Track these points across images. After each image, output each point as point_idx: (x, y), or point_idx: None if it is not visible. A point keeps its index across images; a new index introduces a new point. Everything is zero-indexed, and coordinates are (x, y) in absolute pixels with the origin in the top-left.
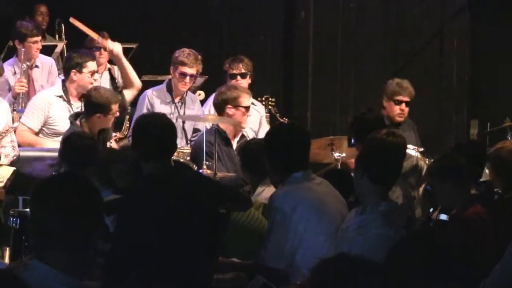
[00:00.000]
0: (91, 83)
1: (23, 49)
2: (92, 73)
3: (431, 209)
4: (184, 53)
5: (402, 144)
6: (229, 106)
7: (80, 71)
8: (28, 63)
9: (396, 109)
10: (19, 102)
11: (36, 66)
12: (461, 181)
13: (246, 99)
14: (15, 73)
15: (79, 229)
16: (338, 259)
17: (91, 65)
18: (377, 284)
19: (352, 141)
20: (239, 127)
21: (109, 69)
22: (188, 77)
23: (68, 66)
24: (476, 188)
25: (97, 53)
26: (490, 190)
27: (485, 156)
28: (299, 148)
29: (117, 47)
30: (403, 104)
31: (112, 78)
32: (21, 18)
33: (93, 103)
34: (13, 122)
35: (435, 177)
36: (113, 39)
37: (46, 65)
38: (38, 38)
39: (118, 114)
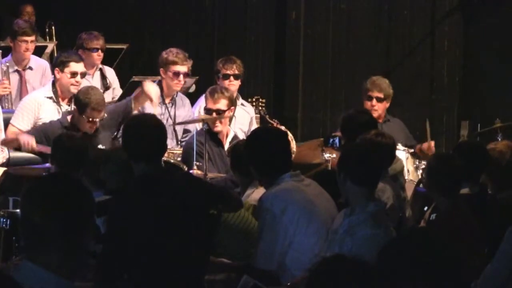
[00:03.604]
0: (72, 84)
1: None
2: (73, 74)
3: (426, 208)
4: (172, 53)
5: (390, 145)
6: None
7: (62, 70)
8: (7, 64)
9: (368, 105)
10: (4, 102)
11: (30, 68)
12: (451, 182)
13: (223, 104)
14: (2, 70)
15: (70, 230)
16: (336, 260)
17: (73, 66)
18: (373, 284)
19: (331, 141)
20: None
21: (101, 69)
22: (181, 76)
23: (53, 64)
24: (471, 189)
25: (95, 54)
26: (484, 191)
27: (486, 158)
28: (279, 149)
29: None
30: (374, 100)
31: (103, 78)
32: (7, 18)
33: (75, 97)
34: None
35: (426, 176)
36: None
37: (40, 67)
38: (28, 38)
39: (95, 122)
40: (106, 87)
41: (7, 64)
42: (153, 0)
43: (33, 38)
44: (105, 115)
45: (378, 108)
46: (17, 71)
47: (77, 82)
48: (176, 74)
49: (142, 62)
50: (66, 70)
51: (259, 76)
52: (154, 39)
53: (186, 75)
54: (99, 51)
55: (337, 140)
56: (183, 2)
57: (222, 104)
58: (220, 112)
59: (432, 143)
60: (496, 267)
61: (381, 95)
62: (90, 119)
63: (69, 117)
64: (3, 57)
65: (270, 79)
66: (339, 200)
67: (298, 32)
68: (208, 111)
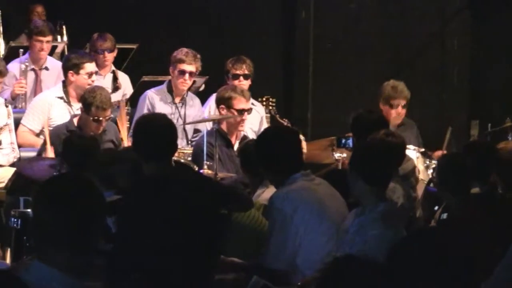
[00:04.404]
0: (89, 85)
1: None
2: (89, 74)
3: (436, 207)
4: (182, 52)
5: (401, 145)
6: (222, 106)
7: (77, 72)
8: (26, 64)
9: (393, 113)
10: (19, 102)
11: (46, 68)
12: (462, 181)
13: (242, 102)
14: (21, 69)
15: (80, 230)
16: (346, 260)
17: (88, 67)
18: (383, 285)
19: (343, 141)
20: (235, 129)
21: (113, 71)
22: (187, 75)
23: (65, 67)
24: (480, 188)
25: (101, 56)
26: (494, 190)
27: (494, 157)
28: (290, 149)
29: None
30: (399, 107)
31: (115, 80)
32: (18, 18)
33: (82, 97)
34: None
35: (437, 175)
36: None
37: (56, 68)
38: (44, 38)
39: (100, 121)
40: (115, 87)
41: (26, 63)
42: (163, 0)
43: (49, 38)
44: (112, 115)
45: (402, 115)
46: (33, 69)
47: (93, 81)
48: (182, 72)
49: (152, 62)
50: (82, 71)
51: (269, 76)
52: (163, 39)
53: (192, 74)
54: (105, 52)
55: (349, 141)
56: (193, 1)
57: (249, 104)
58: (244, 112)
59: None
60: (507, 268)
61: (404, 102)
62: (96, 118)
63: (75, 119)
64: (10, 59)
65: (280, 79)
66: (350, 200)
67: (307, 32)
68: (240, 111)
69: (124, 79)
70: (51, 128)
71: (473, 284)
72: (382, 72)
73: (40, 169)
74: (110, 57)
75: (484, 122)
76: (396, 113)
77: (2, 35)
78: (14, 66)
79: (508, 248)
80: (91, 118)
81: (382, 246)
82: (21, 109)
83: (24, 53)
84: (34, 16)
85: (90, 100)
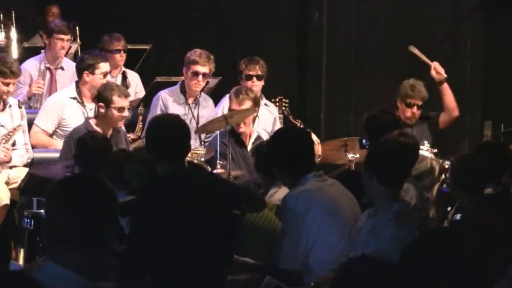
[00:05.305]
0: None
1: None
2: (105, 74)
3: (449, 208)
4: (196, 53)
5: (414, 145)
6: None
7: (92, 72)
8: (47, 65)
9: (408, 111)
10: (34, 102)
11: (62, 68)
12: (475, 182)
13: (234, 104)
14: (39, 69)
15: (93, 230)
16: (360, 261)
17: (103, 66)
18: (397, 285)
19: (364, 142)
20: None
21: (123, 72)
22: (200, 76)
23: (80, 67)
24: (493, 188)
25: (117, 55)
26: (506, 191)
27: (508, 158)
28: (303, 149)
29: None
30: (415, 107)
31: (124, 80)
32: (33, 19)
33: (97, 94)
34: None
35: (450, 176)
36: (127, 40)
37: (71, 69)
38: (65, 37)
39: (123, 110)
40: (125, 87)
41: (43, 62)
42: (177, 0)
43: (69, 37)
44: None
45: (417, 116)
46: (49, 69)
47: (107, 81)
48: (195, 73)
49: (165, 63)
50: (97, 71)
51: (282, 77)
52: (177, 39)
53: (206, 76)
54: (121, 52)
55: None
56: (206, 2)
57: (247, 105)
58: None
59: (436, 64)
60: None
61: (420, 102)
62: (119, 107)
63: (91, 121)
64: (23, 59)
65: (293, 80)
66: (363, 200)
67: (320, 33)
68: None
69: (134, 77)
70: (69, 130)
71: (486, 284)
72: (395, 73)
73: (54, 170)
74: (124, 56)
75: (497, 123)
76: (411, 113)
77: (16, 36)
78: (30, 65)
79: None
80: (117, 108)
81: (396, 246)
82: (35, 109)
83: (32, 54)
84: (49, 16)
85: (109, 92)
